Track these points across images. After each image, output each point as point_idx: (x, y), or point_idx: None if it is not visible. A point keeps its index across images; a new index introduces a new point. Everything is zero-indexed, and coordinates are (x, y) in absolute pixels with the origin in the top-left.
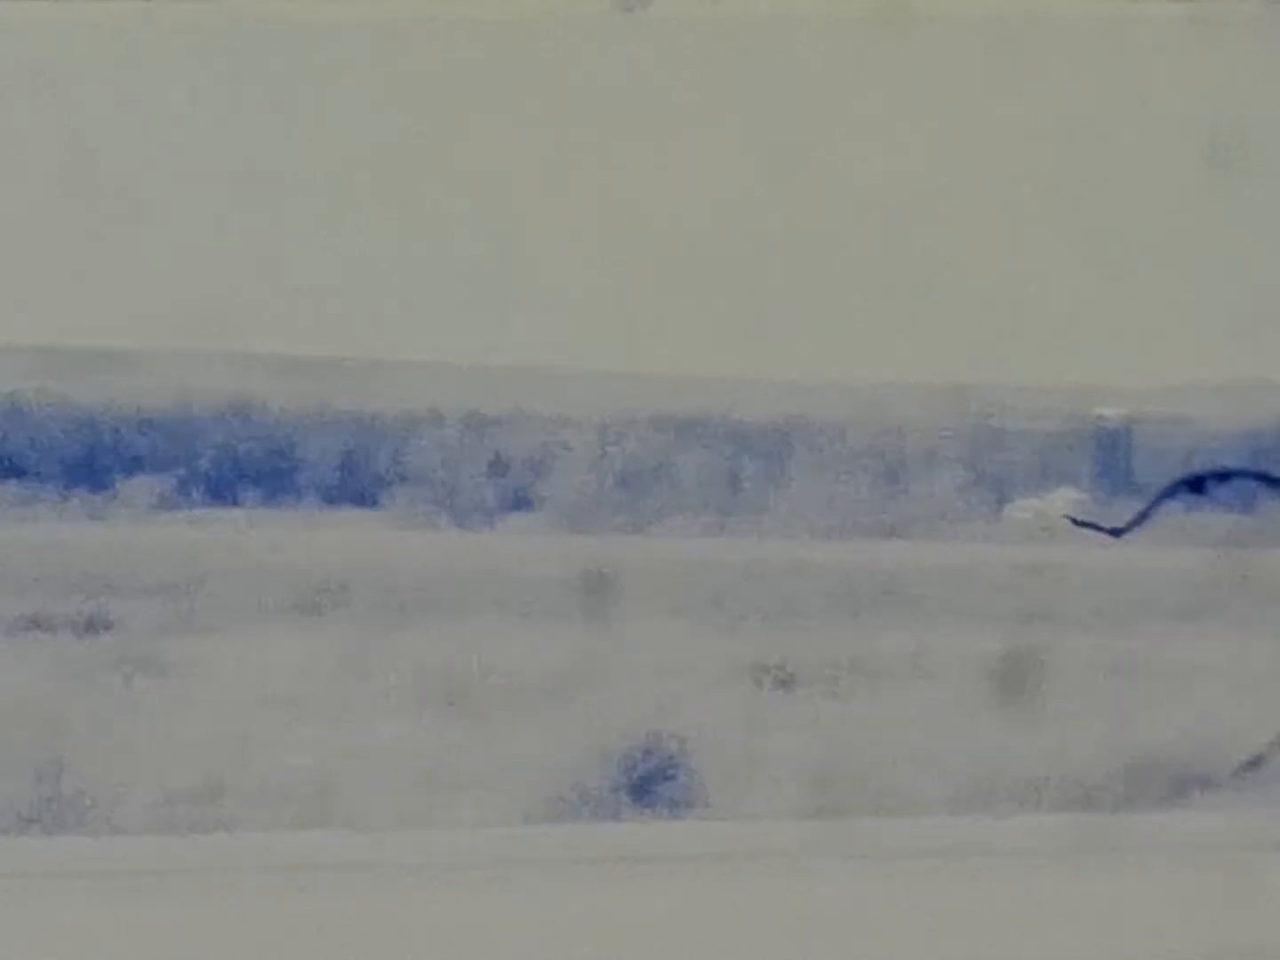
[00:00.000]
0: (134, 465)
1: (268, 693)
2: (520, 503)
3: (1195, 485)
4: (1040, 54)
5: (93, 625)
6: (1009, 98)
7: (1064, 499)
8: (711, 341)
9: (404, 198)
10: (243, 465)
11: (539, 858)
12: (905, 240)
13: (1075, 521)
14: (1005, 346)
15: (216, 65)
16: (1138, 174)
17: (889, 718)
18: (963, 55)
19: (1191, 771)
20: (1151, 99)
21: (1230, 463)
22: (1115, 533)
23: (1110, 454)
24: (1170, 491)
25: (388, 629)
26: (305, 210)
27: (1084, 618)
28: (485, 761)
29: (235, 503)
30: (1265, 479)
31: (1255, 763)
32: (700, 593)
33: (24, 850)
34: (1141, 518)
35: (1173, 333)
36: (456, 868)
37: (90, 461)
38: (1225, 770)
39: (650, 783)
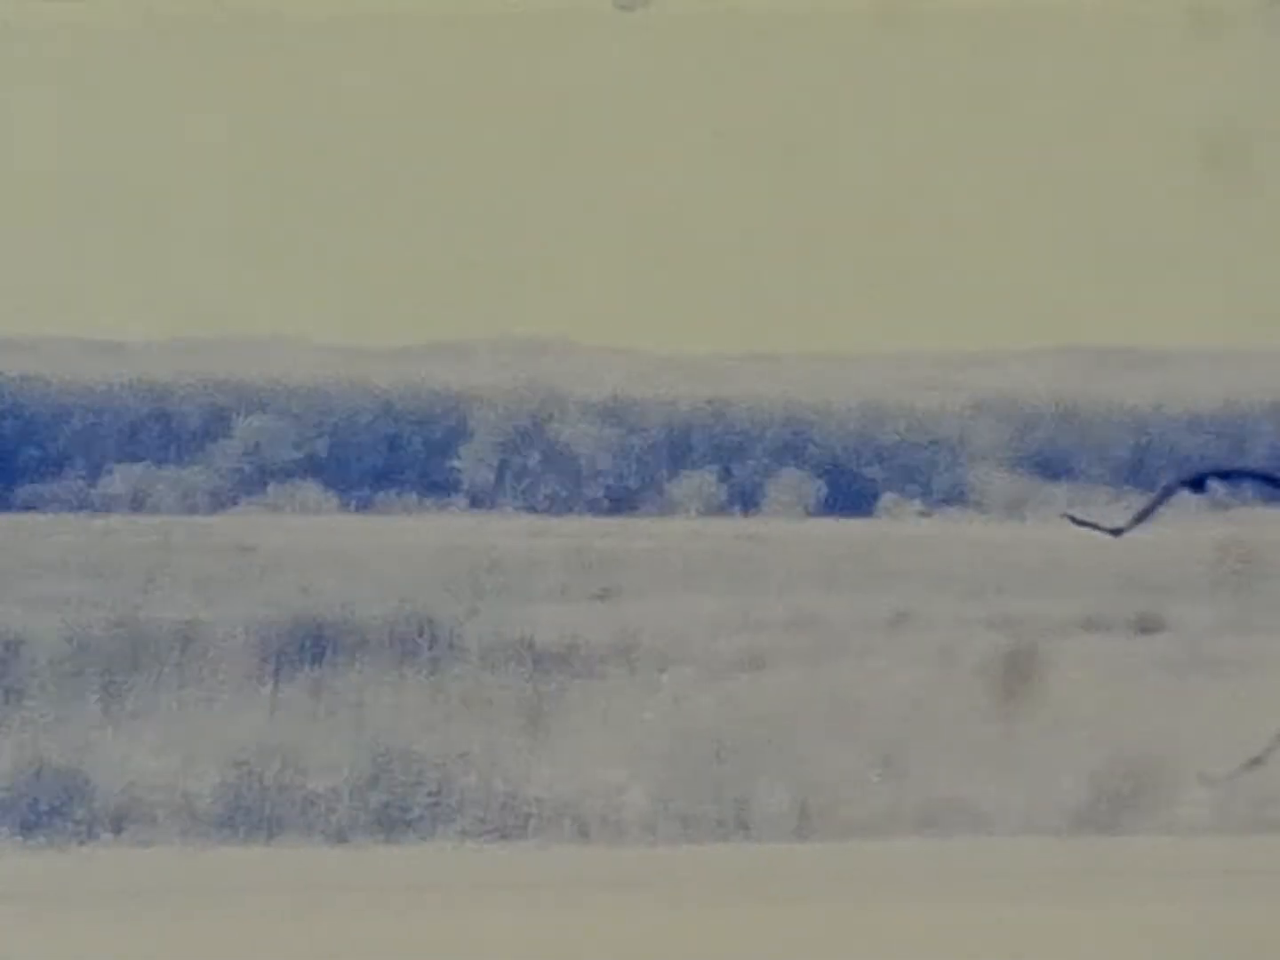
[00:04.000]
0: (1182, 465)
1: None
2: None
3: (1196, 485)
4: (1039, 48)
5: (1146, 625)
6: (1008, 93)
7: None
8: None
9: (402, 193)
10: None
11: None
12: (902, 237)
13: (1074, 520)
14: (1000, 335)
15: (217, 63)
16: (1135, 168)
17: None
18: (962, 51)
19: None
20: (1150, 95)
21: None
22: (1115, 532)
23: None
24: (1171, 490)
25: None
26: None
27: None
28: None
29: None
30: (1266, 478)
31: (1257, 761)
32: None
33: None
34: (1141, 517)
35: (1167, 329)
36: None
37: (1139, 462)
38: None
39: None
